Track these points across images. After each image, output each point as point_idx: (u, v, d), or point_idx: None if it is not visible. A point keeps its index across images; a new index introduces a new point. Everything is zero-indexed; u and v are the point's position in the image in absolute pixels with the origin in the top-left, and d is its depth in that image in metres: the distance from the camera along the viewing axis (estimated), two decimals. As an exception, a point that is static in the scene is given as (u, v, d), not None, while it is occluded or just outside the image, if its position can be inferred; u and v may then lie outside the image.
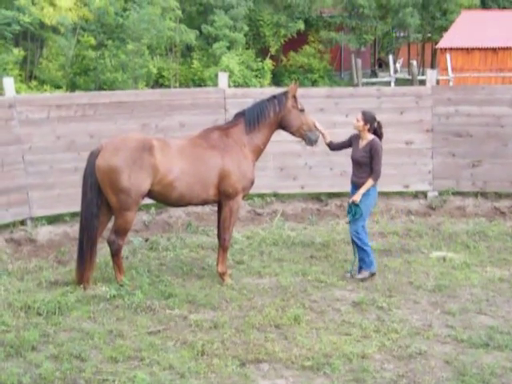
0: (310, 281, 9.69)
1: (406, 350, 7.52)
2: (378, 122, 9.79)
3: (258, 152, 9.83)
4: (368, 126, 9.70)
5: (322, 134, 10.03)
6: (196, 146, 9.50)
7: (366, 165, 9.67)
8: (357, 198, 9.63)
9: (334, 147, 10.20)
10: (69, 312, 8.47)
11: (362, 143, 9.76)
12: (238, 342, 7.70)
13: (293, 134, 9.95)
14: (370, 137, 9.73)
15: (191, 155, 9.36)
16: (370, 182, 9.62)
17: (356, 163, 9.81)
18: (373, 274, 9.76)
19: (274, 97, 9.81)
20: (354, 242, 9.81)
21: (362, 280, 9.69)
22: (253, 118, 9.66)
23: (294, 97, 9.77)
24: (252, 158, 9.71)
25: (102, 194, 9.16)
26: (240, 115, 9.80)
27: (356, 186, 9.81)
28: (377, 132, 9.78)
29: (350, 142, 9.99)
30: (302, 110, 9.81)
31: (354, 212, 9.67)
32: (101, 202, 9.22)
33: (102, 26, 29.07)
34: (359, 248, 9.77)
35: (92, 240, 9.22)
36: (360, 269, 9.84)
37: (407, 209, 13.35)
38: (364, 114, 9.75)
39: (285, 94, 9.81)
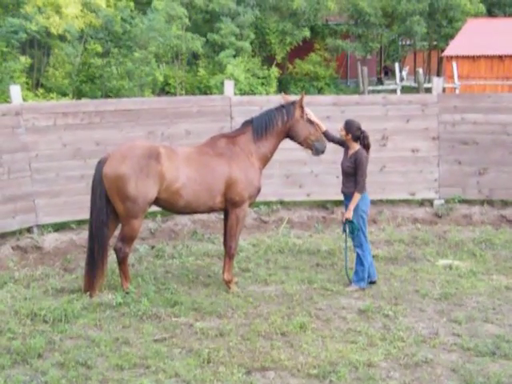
0: (316, 289, 9.67)
1: (412, 358, 7.50)
2: (363, 132, 9.60)
3: (265, 160, 9.82)
4: (350, 136, 9.59)
5: (317, 124, 9.91)
6: (203, 153, 9.50)
7: (352, 175, 9.56)
8: (349, 215, 9.54)
9: (329, 138, 9.97)
10: (75, 319, 8.48)
11: (350, 153, 9.66)
12: (244, 349, 7.69)
13: (300, 143, 9.92)
14: (357, 147, 9.61)
15: (198, 163, 9.37)
16: (356, 196, 9.50)
17: (343, 173, 9.74)
18: (363, 289, 9.71)
19: (283, 106, 9.80)
20: (357, 253, 9.80)
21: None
22: (260, 127, 9.65)
23: (302, 107, 9.76)
24: (259, 166, 9.71)
25: (111, 201, 9.18)
26: (248, 123, 9.79)
27: (345, 197, 9.77)
28: (361, 141, 9.61)
29: (342, 146, 9.87)
30: (309, 121, 9.80)
31: (351, 229, 9.62)
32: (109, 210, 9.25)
33: (109, 34, 29.17)
34: (358, 260, 9.73)
35: (103, 248, 9.23)
36: (352, 280, 9.80)
37: (413, 217, 13.34)
38: (345, 124, 9.66)
39: (293, 103, 9.79)
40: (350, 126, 9.61)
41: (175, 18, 30.59)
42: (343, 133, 9.63)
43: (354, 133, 9.57)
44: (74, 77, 28.33)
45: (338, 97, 15.37)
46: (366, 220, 9.78)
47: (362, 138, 9.59)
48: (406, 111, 13.59)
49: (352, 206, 9.52)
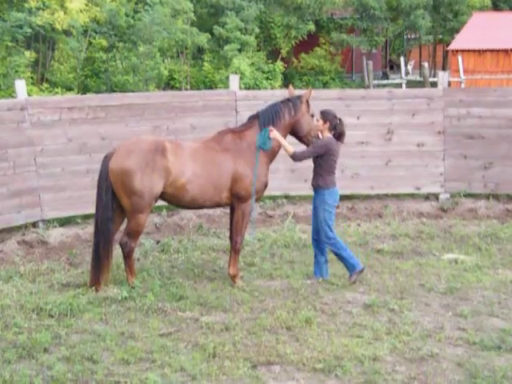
0: (321, 283, 9.67)
1: (417, 353, 7.49)
2: (340, 120, 9.58)
3: (272, 155, 9.78)
4: (328, 125, 9.54)
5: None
6: (209, 148, 9.48)
7: (318, 166, 9.58)
8: (274, 135, 9.47)
9: None
10: (80, 314, 8.50)
11: None
12: (250, 344, 7.70)
13: (300, 138, 9.86)
14: (328, 136, 9.61)
15: (204, 158, 9.35)
16: (288, 148, 9.49)
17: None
18: (361, 271, 9.69)
19: (289, 100, 9.77)
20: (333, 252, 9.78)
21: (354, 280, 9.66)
22: (267, 121, 9.60)
23: (307, 102, 9.74)
24: (266, 161, 9.68)
25: (116, 196, 9.18)
26: (254, 117, 9.75)
27: (314, 190, 9.77)
28: (337, 129, 9.56)
29: None
30: (312, 116, 9.79)
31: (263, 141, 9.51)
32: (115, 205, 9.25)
33: (114, 28, 29.15)
34: (337, 256, 9.73)
35: (108, 243, 9.23)
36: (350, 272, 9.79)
37: (419, 211, 13.33)
38: (322, 113, 9.62)
39: (299, 97, 9.76)
40: (326, 115, 9.59)
41: (180, 12, 30.55)
42: (320, 122, 9.60)
43: (332, 121, 9.55)
44: (78, 71, 28.34)
45: (344, 91, 15.34)
46: (332, 214, 9.70)
47: (338, 124, 9.55)
48: (412, 105, 13.56)
49: (282, 141, 9.51)
